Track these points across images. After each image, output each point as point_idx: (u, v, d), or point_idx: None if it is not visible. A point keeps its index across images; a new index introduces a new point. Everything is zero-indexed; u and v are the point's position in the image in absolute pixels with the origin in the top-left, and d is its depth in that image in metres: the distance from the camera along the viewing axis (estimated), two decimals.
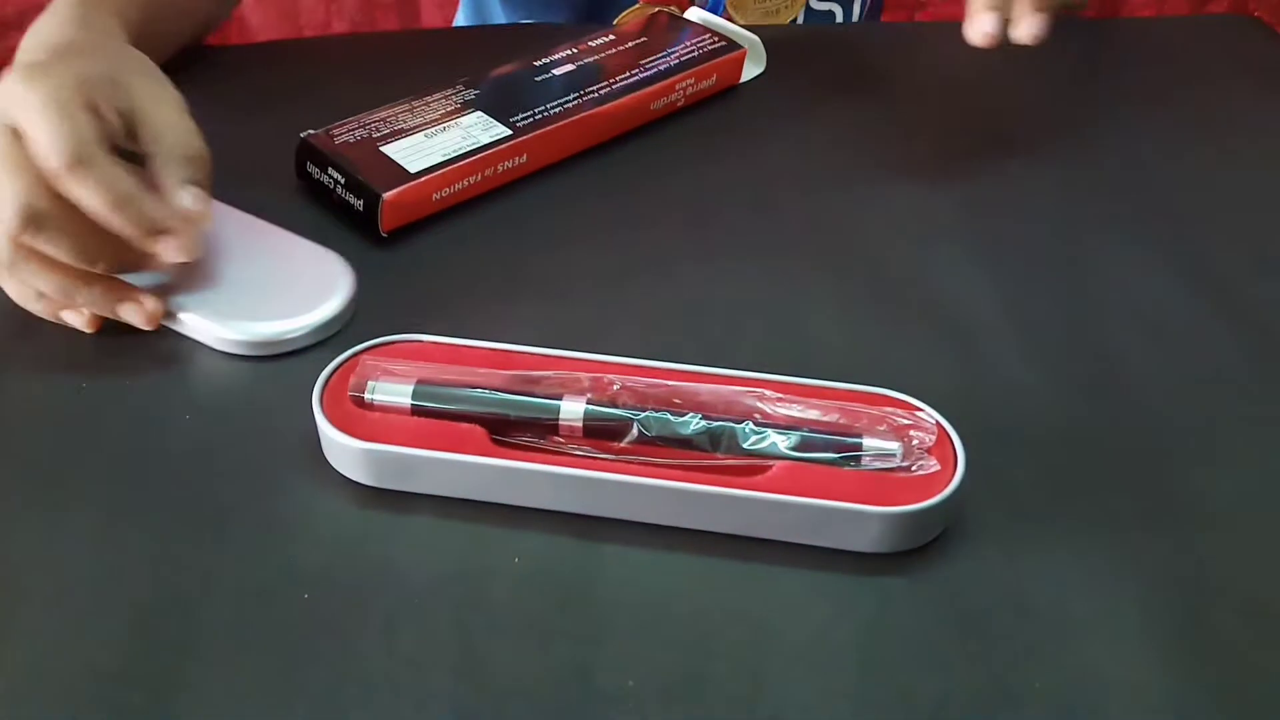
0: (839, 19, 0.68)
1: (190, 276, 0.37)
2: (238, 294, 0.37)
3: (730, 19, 0.63)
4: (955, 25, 0.50)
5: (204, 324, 0.36)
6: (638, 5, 0.64)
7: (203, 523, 0.31)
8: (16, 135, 0.33)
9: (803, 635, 0.28)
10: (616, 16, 0.62)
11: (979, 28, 0.42)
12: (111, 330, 0.36)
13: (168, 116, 0.36)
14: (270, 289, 0.38)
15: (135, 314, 0.36)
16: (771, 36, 0.53)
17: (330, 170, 0.42)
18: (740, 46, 0.50)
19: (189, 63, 0.50)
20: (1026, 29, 0.42)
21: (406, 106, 0.45)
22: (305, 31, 1.10)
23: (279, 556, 0.30)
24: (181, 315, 0.36)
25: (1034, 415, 0.35)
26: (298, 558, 0.30)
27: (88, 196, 0.32)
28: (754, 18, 0.64)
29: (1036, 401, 0.36)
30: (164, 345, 0.37)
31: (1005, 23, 0.42)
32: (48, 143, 0.32)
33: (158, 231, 0.34)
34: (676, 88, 0.48)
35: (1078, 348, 0.38)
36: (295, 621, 0.28)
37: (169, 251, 0.34)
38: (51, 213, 0.33)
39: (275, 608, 0.29)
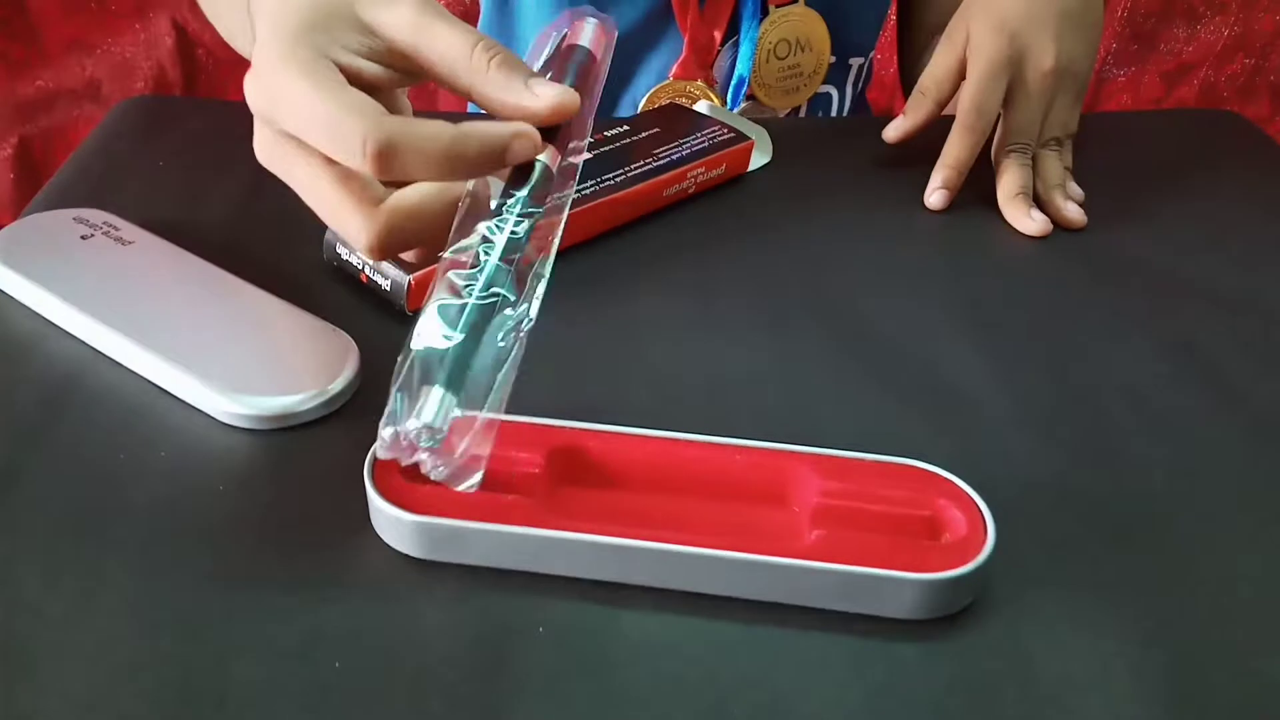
0: (835, 100, 0.72)
1: (195, 347, 0.38)
2: (246, 368, 0.38)
3: (754, 95, 0.66)
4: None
5: (213, 396, 0.37)
6: (668, 81, 0.67)
7: (236, 585, 0.31)
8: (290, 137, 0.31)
9: (821, 702, 0.29)
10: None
11: (1024, 225, 0.51)
12: (140, 404, 0.37)
13: (434, 36, 0.32)
14: (278, 364, 0.38)
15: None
16: (777, 128, 0.55)
17: (359, 251, 0.43)
18: (748, 138, 0.53)
19: (218, 126, 0.51)
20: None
21: None
22: None
23: (310, 619, 0.30)
24: (188, 386, 0.37)
25: (1034, 484, 0.36)
26: (328, 622, 0.30)
27: (413, 170, 0.30)
28: (776, 96, 0.68)
29: (1036, 471, 0.37)
30: (189, 418, 0.37)
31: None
32: (337, 149, 0.30)
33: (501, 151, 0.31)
34: (688, 176, 0.51)
35: (1074, 422, 0.40)
36: (326, 684, 0.29)
37: (524, 152, 0.32)
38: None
39: (307, 669, 0.29)
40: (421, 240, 0.33)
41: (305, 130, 0.31)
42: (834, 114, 0.74)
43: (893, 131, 0.55)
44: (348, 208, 0.32)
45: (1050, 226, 0.51)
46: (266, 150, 0.33)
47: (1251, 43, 1.17)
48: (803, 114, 0.72)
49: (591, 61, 0.36)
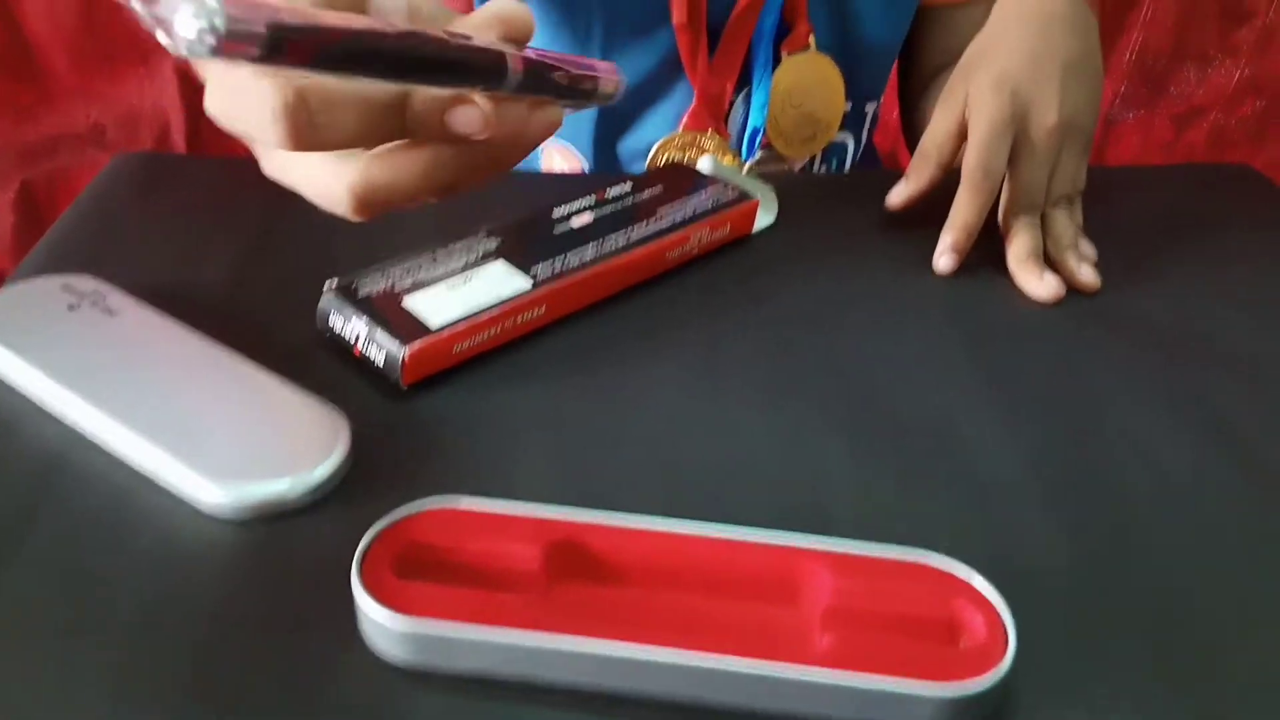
0: (850, 148, 0.71)
1: (179, 429, 0.37)
2: (232, 452, 0.36)
3: (769, 145, 0.65)
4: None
5: (196, 482, 0.35)
6: (678, 132, 0.66)
7: (219, 702, 0.29)
8: None
9: None
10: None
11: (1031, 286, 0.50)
12: (123, 491, 0.36)
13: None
14: (266, 446, 0.37)
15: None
16: (783, 186, 0.54)
17: (353, 323, 0.42)
18: (753, 197, 0.52)
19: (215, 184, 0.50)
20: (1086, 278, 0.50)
21: (430, 256, 0.45)
22: None
23: None
24: (170, 471, 0.36)
25: (1055, 573, 0.35)
26: None
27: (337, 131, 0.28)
28: (794, 145, 0.67)
29: (1056, 558, 0.35)
30: (173, 505, 0.35)
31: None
32: (321, 201, 0.30)
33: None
34: (691, 238, 0.49)
35: (1094, 502, 0.38)
36: None
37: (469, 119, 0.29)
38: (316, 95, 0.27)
39: None
40: (345, 125, 0.28)
41: (229, 110, 0.28)
42: (849, 162, 0.73)
43: (896, 198, 0.54)
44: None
45: (1063, 290, 0.49)
46: (213, 94, 0.29)
47: (1263, 85, 1.16)
48: (818, 163, 0.71)
49: None
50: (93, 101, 1.07)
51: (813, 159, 0.70)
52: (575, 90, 0.32)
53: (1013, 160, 0.51)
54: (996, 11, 0.55)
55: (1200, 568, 0.36)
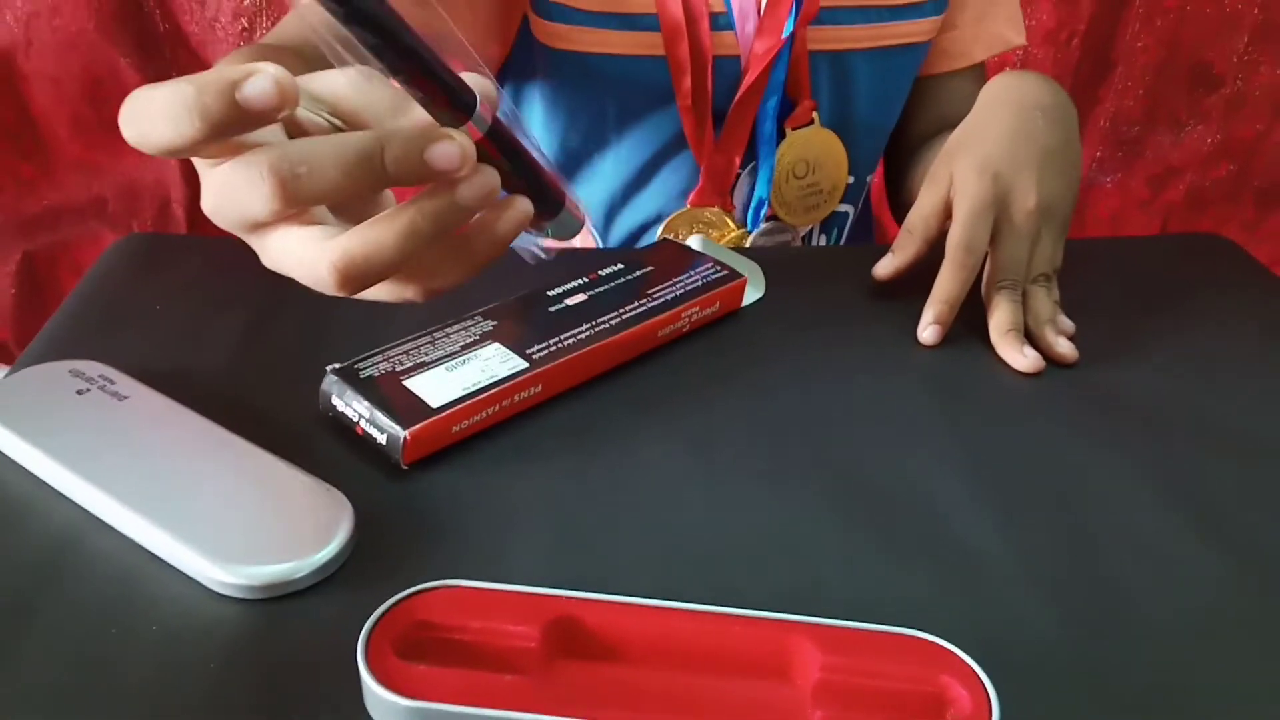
0: (850, 217, 0.74)
1: (187, 512, 0.38)
2: (239, 534, 0.37)
3: (775, 215, 0.68)
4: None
5: (203, 564, 0.36)
6: (685, 209, 0.68)
7: None
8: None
9: None
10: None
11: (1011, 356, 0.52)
12: (132, 571, 0.37)
13: (371, 90, 0.32)
14: (269, 527, 0.38)
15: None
16: (771, 261, 0.56)
17: (354, 405, 0.43)
18: (741, 275, 0.53)
19: (213, 264, 0.52)
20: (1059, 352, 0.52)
21: (428, 338, 0.46)
22: None
23: None
24: (179, 554, 0.37)
25: (1039, 650, 0.36)
26: None
27: (325, 183, 0.28)
28: (797, 214, 0.69)
29: (1040, 635, 0.37)
30: (181, 585, 0.36)
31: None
32: (310, 281, 0.30)
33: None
34: (682, 316, 0.51)
35: (1078, 579, 0.39)
36: None
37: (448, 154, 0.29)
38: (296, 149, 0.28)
39: None
40: (327, 174, 0.29)
41: (221, 202, 0.30)
42: (847, 230, 0.76)
43: (882, 270, 0.56)
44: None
45: (1043, 363, 0.51)
46: (208, 184, 0.31)
47: (1234, 149, 1.19)
48: (817, 232, 0.74)
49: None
50: (94, 175, 1.09)
51: (811, 229, 0.73)
52: (541, 183, 0.33)
53: (994, 239, 0.53)
54: (981, 99, 0.58)
55: (1180, 644, 0.37)
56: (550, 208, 0.34)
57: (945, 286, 0.53)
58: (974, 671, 0.33)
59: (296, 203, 0.29)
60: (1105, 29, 1.13)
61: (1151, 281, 0.60)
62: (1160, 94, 1.16)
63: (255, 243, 0.33)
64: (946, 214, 0.54)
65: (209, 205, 0.31)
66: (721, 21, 0.64)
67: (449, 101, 0.29)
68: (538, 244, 0.35)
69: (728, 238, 0.69)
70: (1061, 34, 1.13)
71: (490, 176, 0.30)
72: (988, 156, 0.53)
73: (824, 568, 0.39)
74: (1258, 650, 0.36)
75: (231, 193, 0.30)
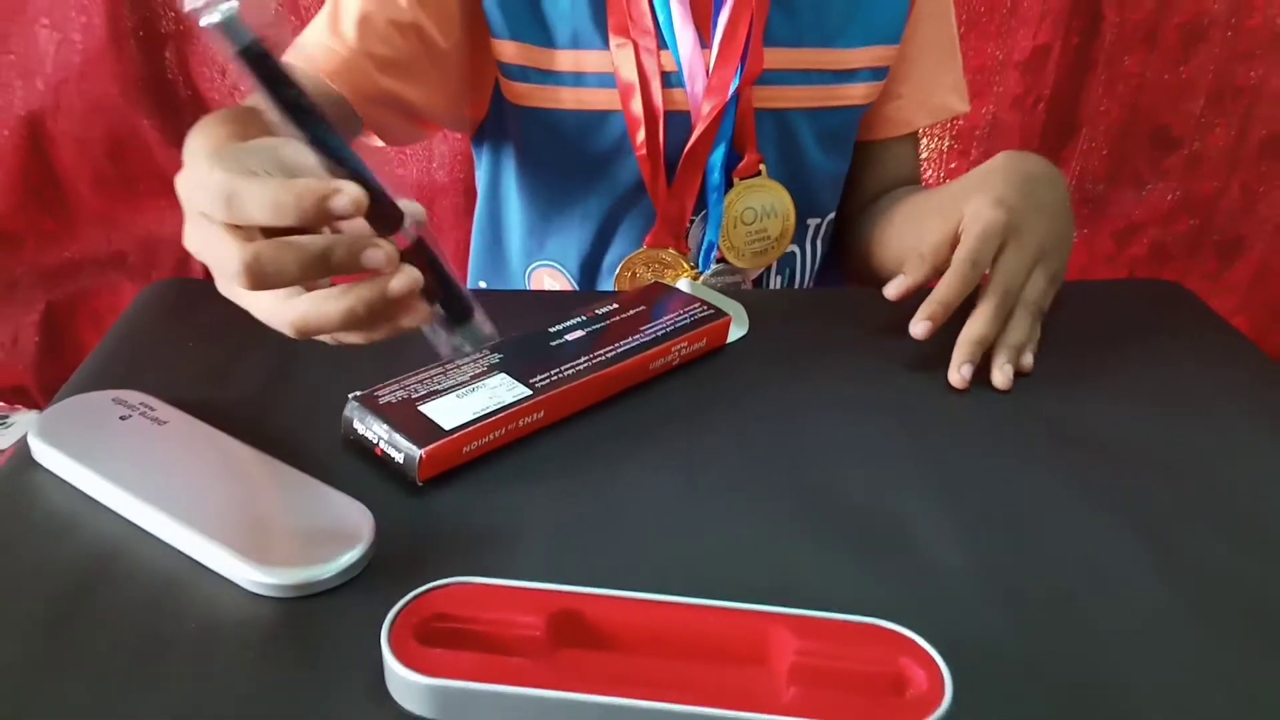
0: (799, 257, 0.79)
1: (224, 521, 0.42)
2: (272, 540, 0.42)
3: (723, 258, 0.73)
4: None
5: (240, 566, 0.40)
6: (643, 249, 0.73)
7: None
8: (206, 217, 0.39)
9: None
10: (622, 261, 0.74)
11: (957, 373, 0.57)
12: (173, 575, 0.41)
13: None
14: (298, 534, 0.42)
15: (378, 256, 0.38)
16: (754, 301, 0.61)
17: (374, 427, 0.47)
18: (726, 314, 0.58)
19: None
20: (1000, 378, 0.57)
21: (441, 370, 0.51)
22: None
23: None
24: (217, 557, 0.41)
25: (991, 642, 0.40)
26: None
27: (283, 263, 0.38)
28: (746, 258, 0.75)
29: (994, 631, 0.40)
30: (218, 587, 0.40)
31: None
32: (271, 324, 0.41)
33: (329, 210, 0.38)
34: (672, 350, 0.56)
35: (1031, 585, 0.43)
36: None
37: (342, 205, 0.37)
38: (267, 252, 0.37)
39: None
40: (289, 271, 0.38)
41: (210, 203, 0.38)
42: (799, 269, 0.81)
43: (893, 290, 0.60)
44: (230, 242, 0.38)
45: (968, 385, 0.56)
46: (191, 235, 0.41)
47: (1194, 206, 1.25)
48: (773, 274, 0.79)
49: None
50: (115, 229, 1.14)
51: (766, 269, 0.78)
52: (452, 293, 0.42)
53: (997, 259, 0.58)
54: (987, 165, 0.63)
55: (1117, 639, 0.41)
56: (458, 315, 0.43)
57: (943, 290, 0.57)
58: (930, 655, 0.37)
59: (262, 289, 0.39)
60: (1070, 93, 1.20)
61: (1111, 322, 0.65)
62: (1124, 153, 1.23)
63: (221, 282, 0.42)
64: (955, 243, 0.58)
65: (190, 245, 0.41)
66: (673, 80, 0.70)
67: (382, 215, 0.39)
68: (447, 344, 0.43)
69: (680, 278, 0.75)
70: (1028, 99, 1.20)
71: (412, 274, 0.39)
72: (1002, 195, 0.58)
73: (798, 570, 0.43)
74: (1191, 651, 0.40)
75: (212, 255, 0.40)
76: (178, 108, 1.12)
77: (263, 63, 0.36)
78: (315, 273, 0.38)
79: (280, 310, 0.40)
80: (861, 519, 0.46)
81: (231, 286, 0.41)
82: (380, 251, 0.38)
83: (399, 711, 0.36)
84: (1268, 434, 0.54)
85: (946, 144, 1.24)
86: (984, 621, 0.41)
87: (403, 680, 0.35)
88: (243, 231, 0.38)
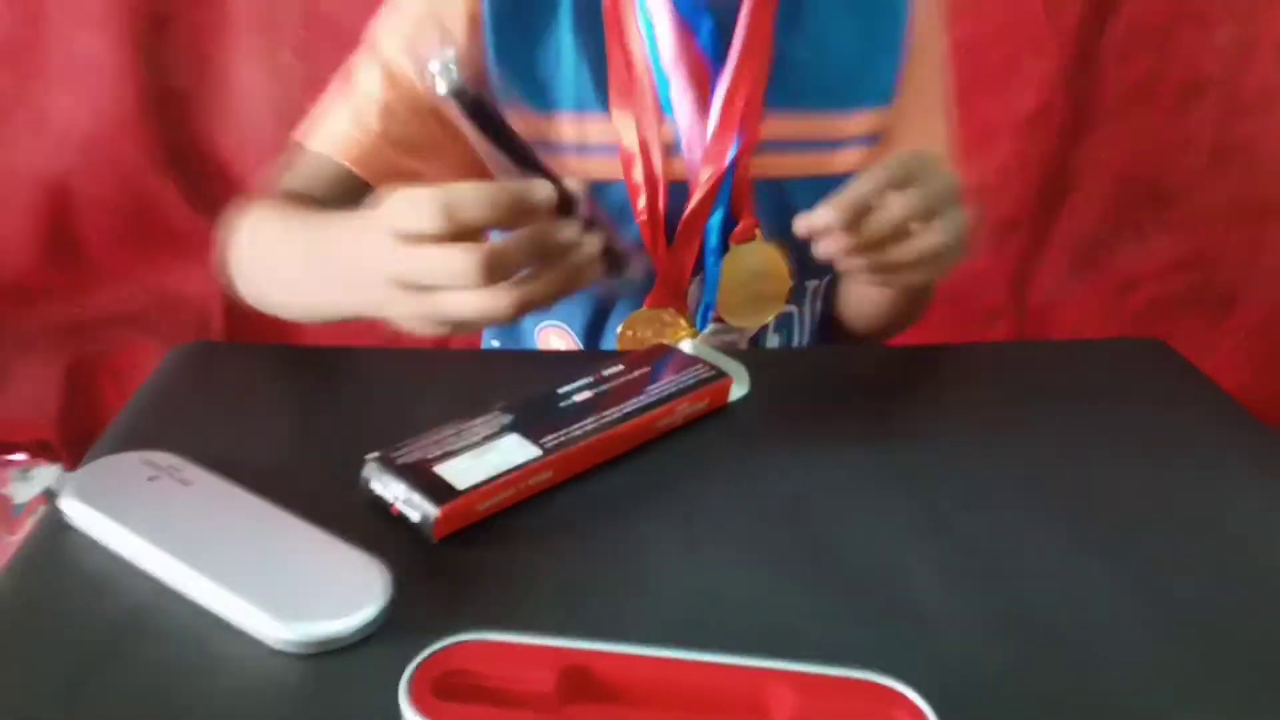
0: (796, 317, 0.81)
1: (249, 579, 0.44)
2: (293, 597, 0.43)
3: (720, 319, 0.75)
4: (906, 350, 0.61)
5: (264, 622, 0.42)
6: (643, 310, 0.76)
7: None
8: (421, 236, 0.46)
9: None
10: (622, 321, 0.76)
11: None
12: (200, 632, 0.43)
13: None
14: (321, 593, 0.44)
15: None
16: (754, 360, 0.63)
17: (391, 487, 0.50)
18: (728, 374, 0.61)
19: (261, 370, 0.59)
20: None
21: (454, 430, 0.53)
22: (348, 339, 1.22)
23: None
24: (243, 613, 0.43)
25: (985, 691, 0.42)
26: None
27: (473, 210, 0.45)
28: (744, 316, 0.77)
29: (988, 679, 0.42)
30: (242, 643, 0.42)
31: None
32: (455, 277, 0.46)
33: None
34: (675, 410, 0.58)
35: (1023, 632, 0.45)
36: None
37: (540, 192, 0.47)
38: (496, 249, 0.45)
39: None
40: (516, 260, 0.47)
41: (431, 217, 0.46)
42: (797, 330, 0.83)
43: (801, 225, 0.59)
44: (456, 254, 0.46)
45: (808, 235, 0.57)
46: (405, 264, 0.48)
47: (1191, 260, 1.28)
48: (770, 332, 0.81)
49: None
50: (136, 289, 1.18)
51: (764, 328, 0.80)
52: (614, 249, 0.52)
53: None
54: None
55: (1107, 683, 0.42)
56: (618, 268, 0.54)
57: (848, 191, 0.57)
58: (921, 710, 0.38)
59: (494, 281, 0.46)
60: (1066, 150, 1.23)
61: (1095, 380, 0.67)
62: (1123, 207, 1.25)
63: (404, 258, 0.48)
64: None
65: (408, 275, 0.48)
66: (672, 148, 0.73)
67: (563, 201, 0.49)
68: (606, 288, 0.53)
69: (679, 337, 0.77)
70: (1030, 155, 1.23)
71: (592, 245, 0.48)
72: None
73: (797, 621, 0.45)
74: (1179, 689, 0.42)
75: (440, 268, 0.46)
76: (194, 169, 1.15)
77: (477, 105, 0.48)
78: (533, 259, 0.46)
79: (499, 299, 0.46)
80: (859, 571, 0.48)
81: (441, 307, 0.48)
82: (572, 230, 0.47)
83: None
84: (1245, 483, 0.56)
85: None
86: (977, 671, 0.43)
87: None
88: (459, 241, 0.45)
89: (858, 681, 0.40)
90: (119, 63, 1.11)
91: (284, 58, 1.15)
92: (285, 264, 0.63)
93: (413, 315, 0.49)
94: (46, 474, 1.18)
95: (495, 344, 0.86)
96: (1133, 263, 1.27)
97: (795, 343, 0.84)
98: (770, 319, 0.80)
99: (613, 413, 0.56)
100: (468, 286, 0.45)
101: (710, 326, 0.77)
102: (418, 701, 0.38)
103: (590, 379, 0.59)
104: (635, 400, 0.57)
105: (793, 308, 0.82)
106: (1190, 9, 1.20)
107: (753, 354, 0.66)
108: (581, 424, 0.54)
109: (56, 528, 0.49)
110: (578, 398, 0.57)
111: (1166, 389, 0.67)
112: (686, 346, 0.64)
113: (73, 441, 1.20)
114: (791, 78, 0.74)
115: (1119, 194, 1.25)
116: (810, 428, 0.60)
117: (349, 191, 0.69)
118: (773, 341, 0.83)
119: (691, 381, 0.59)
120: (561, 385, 0.58)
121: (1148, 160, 1.23)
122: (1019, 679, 0.42)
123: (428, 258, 0.46)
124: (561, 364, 0.61)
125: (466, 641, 0.41)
